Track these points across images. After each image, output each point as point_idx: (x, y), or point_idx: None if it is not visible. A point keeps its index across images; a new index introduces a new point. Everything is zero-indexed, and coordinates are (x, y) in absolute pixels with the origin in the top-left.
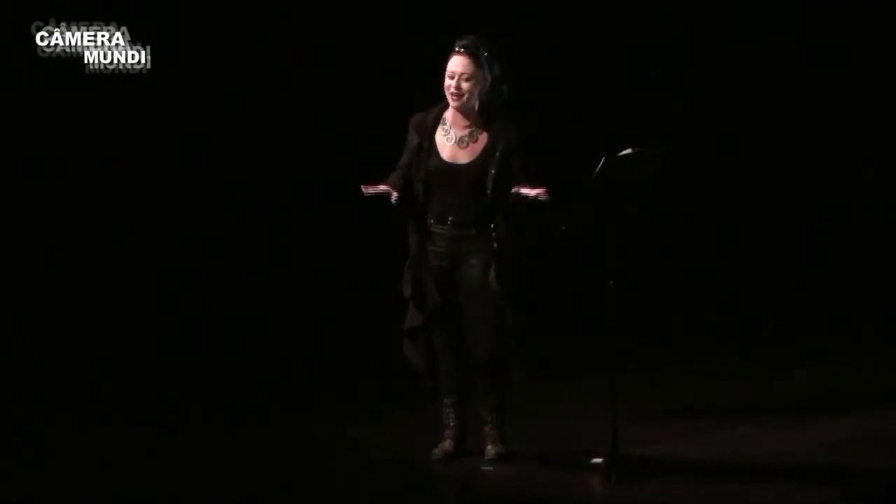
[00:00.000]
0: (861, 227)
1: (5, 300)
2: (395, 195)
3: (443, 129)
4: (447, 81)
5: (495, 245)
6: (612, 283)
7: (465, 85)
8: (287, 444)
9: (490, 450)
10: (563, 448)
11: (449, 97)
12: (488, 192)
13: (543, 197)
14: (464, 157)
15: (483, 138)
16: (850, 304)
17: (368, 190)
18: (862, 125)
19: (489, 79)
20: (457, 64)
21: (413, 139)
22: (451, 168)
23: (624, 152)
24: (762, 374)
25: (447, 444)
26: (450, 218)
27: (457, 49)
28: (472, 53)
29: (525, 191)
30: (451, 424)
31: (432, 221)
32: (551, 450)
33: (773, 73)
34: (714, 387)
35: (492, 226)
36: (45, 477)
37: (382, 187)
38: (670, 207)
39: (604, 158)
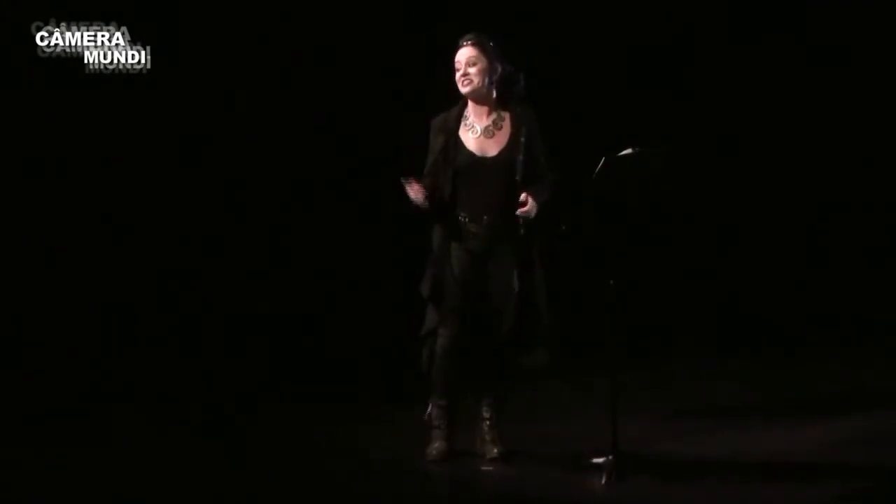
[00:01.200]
0: (861, 228)
1: (5, 300)
2: (422, 197)
3: (465, 125)
4: (456, 74)
5: (522, 232)
6: (612, 282)
7: (471, 70)
8: (287, 444)
9: (491, 450)
10: (563, 448)
11: (460, 87)
12: (518, 178)
13: (522, 212)
14: (492, 149)
15: (507, 126)
16: (849, 304)
17: (412, 190)
18: (862, 125)
19: (500, 69)
20: (461, 54)
21: (438, 140)
22: (482, 161)
23: (624, 152)
24: (762, 374)
25: (443, 445)
26: (485, 217)
27: (461, 43)
28: (475, 44)
29: (523, 210)
30: (443, 426)
31: (466, 220)
32: (551, 450)
33: (773, 73)
34: (714, 387)
35: (517, 214)
36: (45, 477)
37: (417, 188)
38: (670, 207)
39: (604, 158)
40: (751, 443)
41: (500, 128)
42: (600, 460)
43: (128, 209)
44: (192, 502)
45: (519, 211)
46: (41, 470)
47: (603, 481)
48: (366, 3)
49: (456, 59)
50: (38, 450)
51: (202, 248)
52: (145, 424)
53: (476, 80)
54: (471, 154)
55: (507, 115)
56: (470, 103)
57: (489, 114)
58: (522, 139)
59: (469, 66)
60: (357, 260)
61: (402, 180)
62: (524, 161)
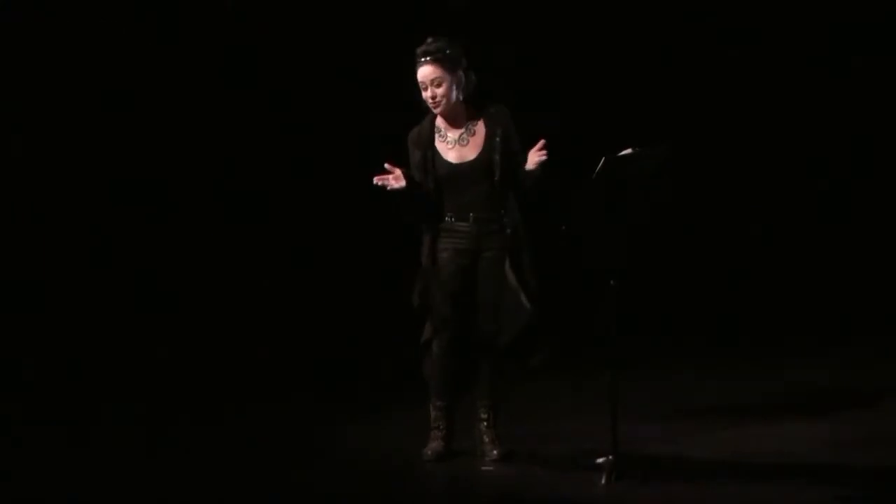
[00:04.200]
0: (861, 227)
1: (4, 300)
2: (400, 178)
3: (440, 136)
4: (423, 94)
5: (508, 231)
6: (612, 282)
7: (439, 91)
8: (287, 445)
9: (490, 451)
10: (563, 448)
11: (431, 108)
12: (496, 178)
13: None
14: (470, 153)
15: (480, 129)
16: (850, 304)
17: (381, 180)
18: (862, 125)
19: (463, 78)
20: (424, 74)
21: (415, 155)
22: (463, 167)
23: (624, 152)
24: (762, 374)
25: (439, 445)
26: (471, 214)
27: (421, 60)
28: (435, 59)
29: (534, 161)
30: (441, 427)
31: (453, 220)
32: (551, 450)
33: (772, 73)
34: (714, 387)
35: (502, 211)
36: (44, 476)
37: (391, 176)
38: (670, 207)
39: (604, 158)
40: (751, 443)
41: (474, 133)
42: (602, 460)
43: (127, 209)
44: (191, 502)
45: (538, 156)
46: (40, 470)
47: (603, 481)
48: (366, 3)
49: (420, 80)
50: (37, 450)
51: (201, 248)
52: (143, 424)
53: (444, 100)
54: (449, 163)
55: (479, 119)
56: (440, 116)
57: (462, 122)
58: (497, 139)
59: (435, 86)
60: (358, 261)
61: (376, 180)
62: (501, 160)
